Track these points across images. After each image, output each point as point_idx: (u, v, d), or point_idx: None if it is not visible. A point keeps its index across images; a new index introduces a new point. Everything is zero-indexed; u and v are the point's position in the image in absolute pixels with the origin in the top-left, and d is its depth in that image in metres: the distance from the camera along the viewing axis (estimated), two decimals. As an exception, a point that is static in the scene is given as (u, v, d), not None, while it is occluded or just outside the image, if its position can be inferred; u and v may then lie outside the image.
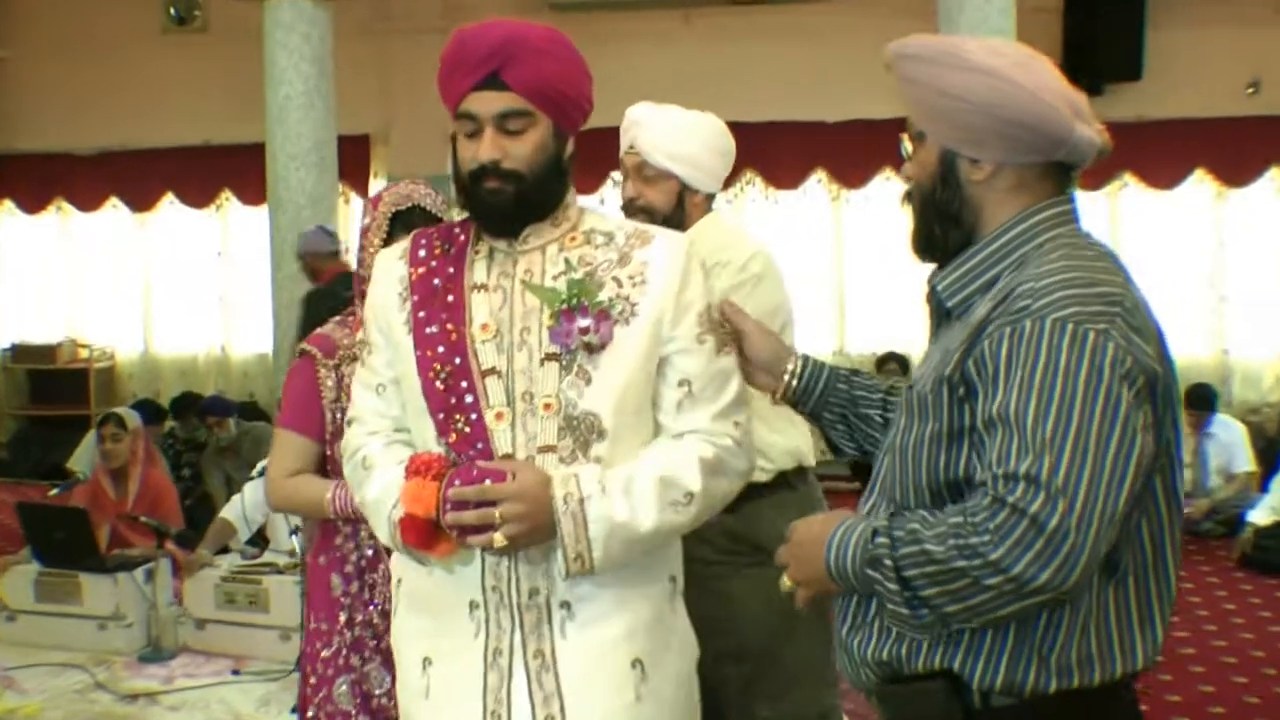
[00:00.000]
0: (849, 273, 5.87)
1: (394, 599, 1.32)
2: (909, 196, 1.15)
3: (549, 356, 1.20)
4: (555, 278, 1.23)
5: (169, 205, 6.45)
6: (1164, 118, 5.30)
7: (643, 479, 1.18)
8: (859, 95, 4.93)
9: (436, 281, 1.25)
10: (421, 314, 1.23)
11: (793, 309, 1.86)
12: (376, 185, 5.98)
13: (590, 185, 5.59)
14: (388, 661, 1.67)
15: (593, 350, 1.19)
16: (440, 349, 1.21)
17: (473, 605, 1.21)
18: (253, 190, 5.77)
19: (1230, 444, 4.73)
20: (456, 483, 1.14)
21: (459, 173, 1.23)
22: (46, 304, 6.64)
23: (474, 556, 1.20)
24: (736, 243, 1.84)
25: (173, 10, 6.19)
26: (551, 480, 1.16)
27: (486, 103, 1.19)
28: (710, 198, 1.88)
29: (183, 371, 6.48)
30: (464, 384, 1.20)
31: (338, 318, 1.81)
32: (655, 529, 1.18)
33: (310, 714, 1.72)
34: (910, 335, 5.44)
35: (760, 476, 1.67)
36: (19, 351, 6.50)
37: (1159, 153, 5.33)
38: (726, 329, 1.28)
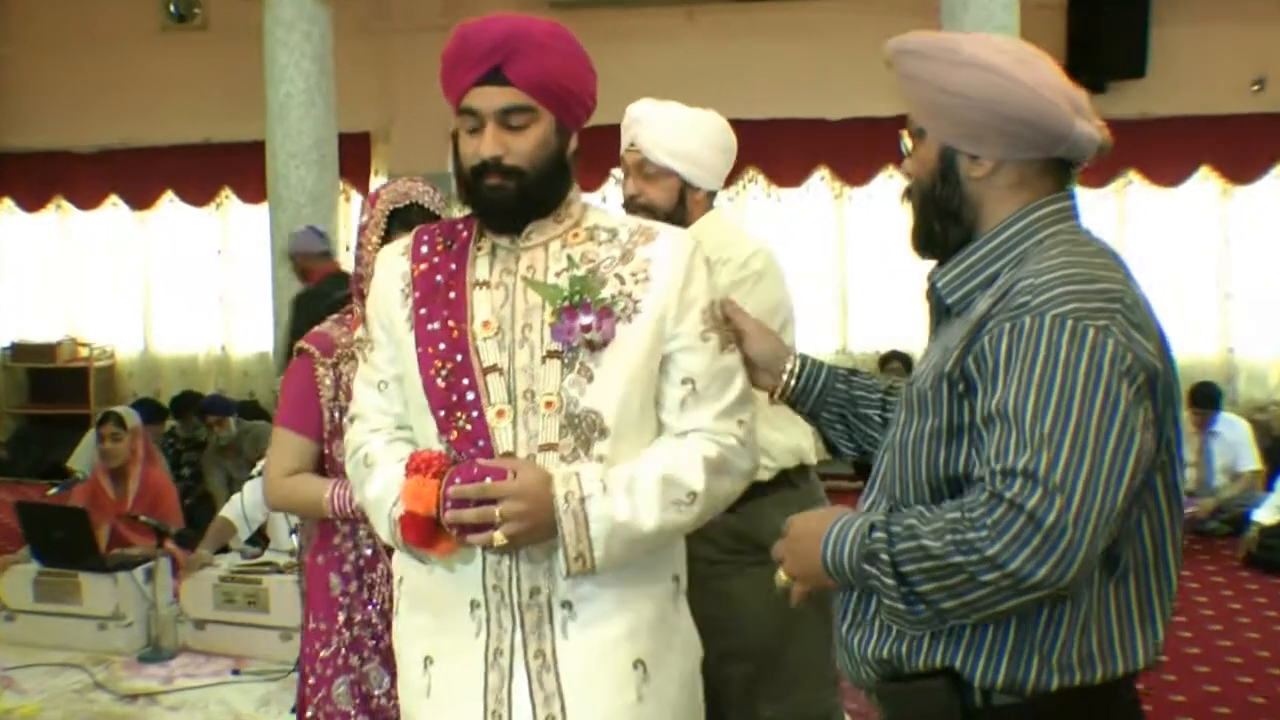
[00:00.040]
0: (852, 271, 5.86)
1: (395, 597, 1.32)
2: (909, 193, 1.14)
3: (551, 354, 1.20)
4: (558, 274, 1.22)
5: (169, 203, 6.44)
6: (1168, 115, 5.29)
7: (645, 478, 1.17)
8: (862, 93, 4.91)
9: (438, 278, 1.24)
10: (423, 311, 1.23)
11: (794, 307, 1.86)
12: (377, 183, 5.96)
13: (592, 183, 5.57)
14: (387, 661, 1.67)
15: (595, 348, 1.18)
16: (441, 346, 1.21)
17: (474, 604, 1.21)
18: (253, 188, 5.76)
19: (1235, 443, 4.72)
20: (457, 480, 1.14)
21: (461, 169, 1.23)
22: (46, 302, 6.63)
23: (475, 555, 1.20)
24: (737, 240, 1.83)
25: (172, 7, 6.18)
26: (552, 479, 1.15)
27: (488, 98, 1.18)
28: (711, 195, 1.87)
29: (183, 370, 6.47)
30: (465, 381, 1.20)
31: (335, 316, 1.80)
32: (657, 528, 1.17)
33: (309, 714, 1.71)
34: (913, 333, 5.42)
35: (762, 475, 1.67)
36: (18, 350, 6.49)
37: (1164, 150, 5.32)
38: (729, 327, 1.27)
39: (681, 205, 1.81)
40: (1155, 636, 1.04)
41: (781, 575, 1.12)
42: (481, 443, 1.18)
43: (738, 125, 1.90)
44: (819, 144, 5.64)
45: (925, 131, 1.11)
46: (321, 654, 1.70)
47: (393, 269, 1.28)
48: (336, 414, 1.70)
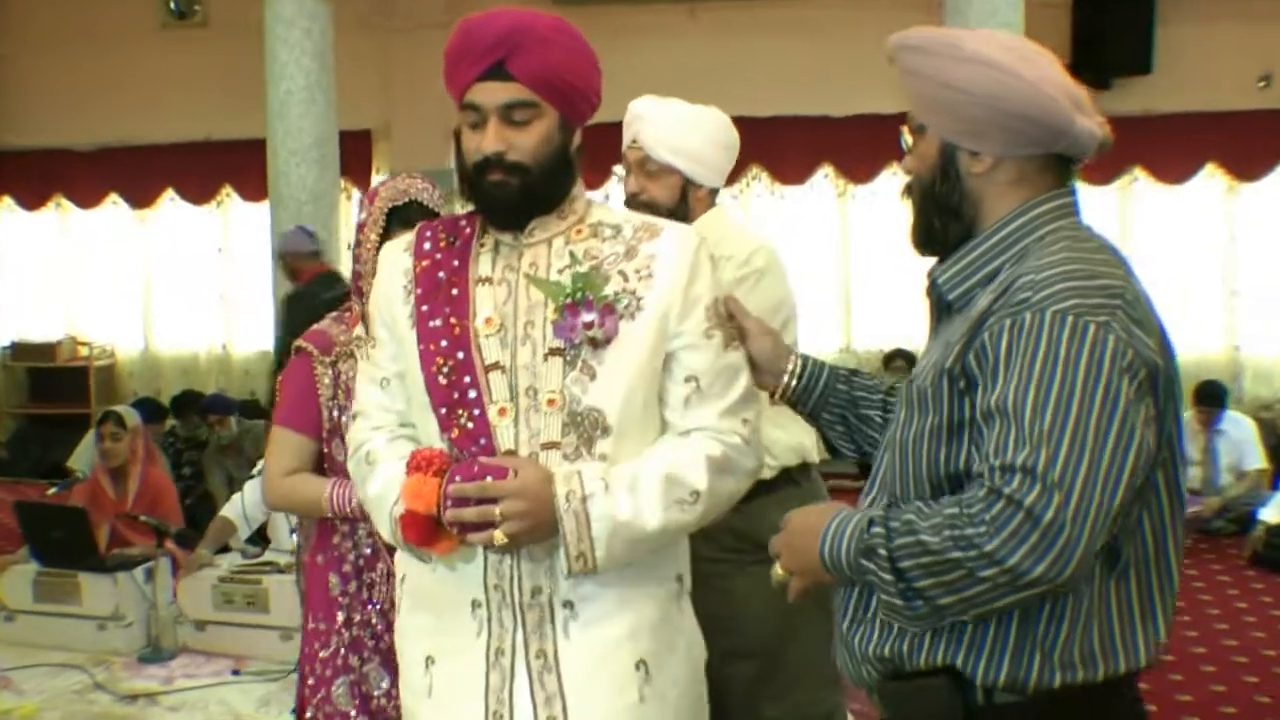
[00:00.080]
0: (855, 268, 5.86)
1: (397, 596, 1.31)
2: (909, 190, 1.14)
3: (553, 351, 1.19)
4: (560, 271, 1.21)
5: (169, 202, 6.44)
6: (1174, 112, 5.28)
7: (647, 477, 1.16)
8: (865, 90, 4.90)
9: (441, 274, 1.24)
10: (425, 307, 1.22)
11: (796, 304, 1.86)
12: (378, 181, 5.96)
13: (594, 181, 5.56)
14: (386, 662, 1.66)
15: (597, 345, 1.17)
16: (443, 343, 1.20)
17: (475, 604, 1.20)
18: (253, 186, 5.75)
19: (1241, 441, 4.69)
20: (457, 479, 1.13)
21: (463, 165, 1.22)
22: (46, 301, 6.62)
23: (476, 554, 1.19)
24: (739, 237, 1.83)
25: (172, 5, 6.17)
26: (554, 477, 1.14)
27: (491, 93, 1.17)
28: (714, 193, 1.87)
29: (184, 369, 6.47)
30: (467, 379, 1.19)
31: (333, 314, 1.79)
32: (660, 528, 1.16)
33: (309, 715, 1.70)
34: (917, 332, 5.41)
35: (765, 473, 1.66)
36: (18, 349, 6.48)
37: (1169, 147, 5.31)
38: (732, 325, 1.26)
39: (683, 203, 1.80)
40: (1157, 634, 1.04)
41: (778, 570, 1.12)
42: (483, 441, 1.17)
43: (740, 122, 1.90)
44: (822, 141, 5.63)
45: (926, 127, 1.10)
46: (321, 654, 1.70)
47: (395, 265, 1.27)
48: (335, 413, 1.69)
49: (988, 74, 1.03)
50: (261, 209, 5.21)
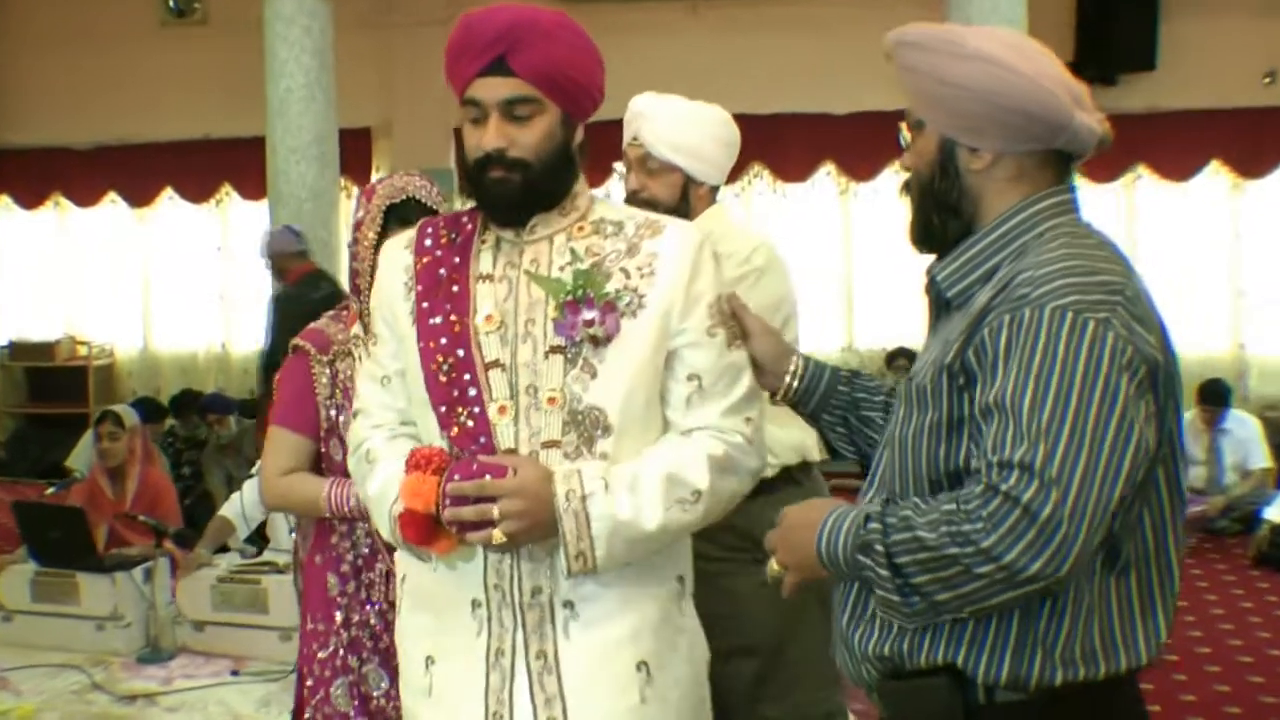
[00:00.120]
0: (858, 266, 5.85)
1: (398, 595, 1.31)
2: (907, 186, 1.14)
3: (553, 349, 1.18)
4: (561, 268, 1.20)
5: (168, 200, 6.42)
6: (1179, 108, 5.27)
7: (648, 476, 1.16)
8: (868, 87, 4.87)
9: (442, 271, 1.23)
10: (425, 304, 1.22)
11: (797, 302, 1.86)
12: (376, 179, 5.94)
13: (595, 179, 5.51)
14: (385, 662, 1.66)
15: (598, 343, 1.17)
16: (443, 340, 1.20)
17: (475, 603, 1.20)
18: (253, 185, 5.74)
19: (1246, 440, 4.69)
20: (456, 477, 1.12)
21: (465, 161, 1.21)
22: (44, 300, 6.61)
23: (476, 554, 1.19)
24: (740, 235, 1.83)
25: (171, 2, 6.16)
26: (553, 476, 1.14)
27: (492, 89, 1.16)
28: (714, 190, 1.87)
29: (183, 369, 6.46)
30: (467, 377, 1.18)
31: (331, 312, 1.79)
32: (661, 528, 1.15)
33: (308, 716, 1.69)
34: (920, 330, 5.35)
35: (766, 472, 1.64)
36: (17, 349, 6.46)
37: (1174, 144, 5.31)
38: (735, 324, 1.26)
39: (684, 200, 1.80)
40: (1158, 631, 1.04)
41: (773, 565, 1.11)
42: (483, 439, 1.17)
43: (742, 120, 1.90)
44: (825, 138, 5.63)
45: (924, 124, 1.10)
46: (319, 655, 1.69)
47: (396, 262, 1.26)
48: (333, 412, 1.69)
49: (986, 69, 1.03)
50: (261, 208, 5.20)
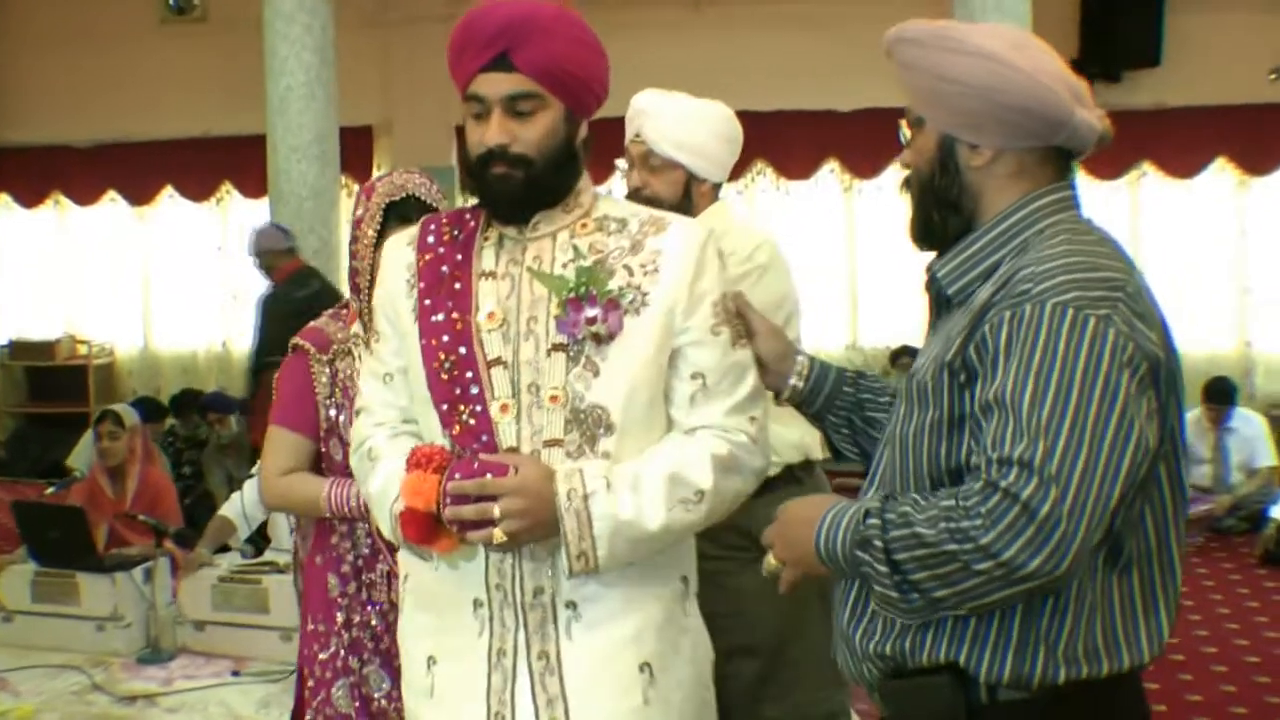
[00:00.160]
0: (862, 264, 5.83)
1: (401, 595, 1.30)
2: (907, 183, 1.14)
3: (556, 347, 1.18)
4: (564, 266, 1.20)
5: (168, 199, 6.41)
6: (1184, 105, 5.24)
7: (651, 476, 1.15)
8: (871, 83, 4.83)
9: (444, 268, 1.23)
10: (427, 301, 1.22)
11: (799, 299, 1.85)
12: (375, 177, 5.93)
13: (597, 177, 5.51)
14: (387, 664, 1.65)
15: (601, 341, 1.16)
16: (445, 338, 1.19)
17: (476, 603, 1.19)
18: (253, 183, 5.73)
19: (1252, 438, 4.67)
20: (456, 476, 1.12)
21: (467, 157, 1.20)
22: (44, 300, 6.60)
23: (477, 553, 1.19)
24: (742, 233, 1.83)
25: (171, 0, 6.13)
26: (555, 475, 1.13)
27: (494, 84, 1.16)
28: (717, 187, 1.87)
29: (183, 368, 6.45)
30: (469, 375, 1.18)
31: (330, 311, 1.78)
32: (663, 528, 1.15)
33: (309, 718, 1.69)
34: (924, 328, 5.37)
35: (768, 470, 1.65)
36: (17, 348, 6.45)
37: (1179, 141, 5.29)
38: (740, 322, 1.25)
39: (687, 198, 1.80)
40: (1160, 629, 1.03)
41: (771, 560, 1.11)
42: (485, 438, 1.16)
43: (745, 117, 1.89)
44: (828, 136, 5.61)
45: (924, 120, 1.10)
46: (320, 656, 1.69)
47: (398, 259, 1.26)
48: (333, 412, 1.68)
49: (985, 66, 1.03)
50: (261, 206, 5.18)
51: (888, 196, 5.65)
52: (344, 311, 1.75)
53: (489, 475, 1.11)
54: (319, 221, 4.59)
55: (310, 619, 1.71)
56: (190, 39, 6.05)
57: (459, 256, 1.22)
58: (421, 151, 5.41)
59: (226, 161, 6.04)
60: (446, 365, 1.18)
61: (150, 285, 6.51)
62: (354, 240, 1.63)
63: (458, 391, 1.17)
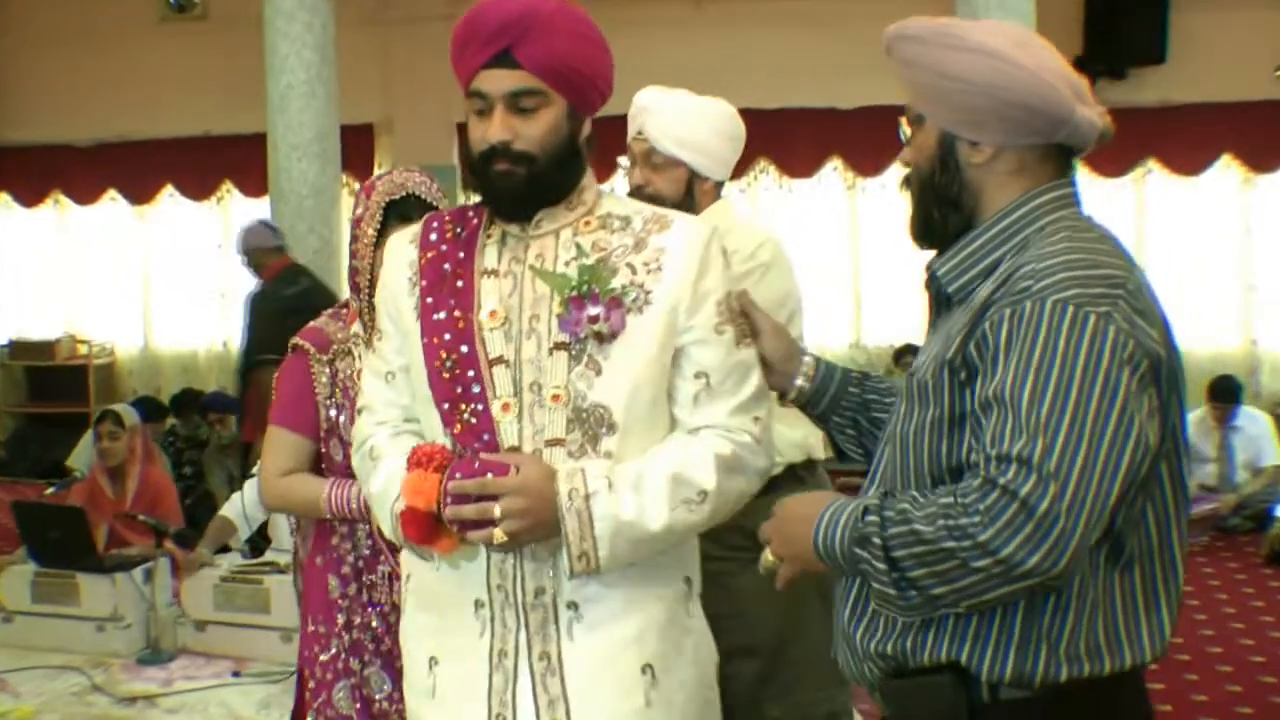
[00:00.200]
0: (865, 263, 5.81)
1: (403, 595, 1.30)
2: (907, 181, 1.14)
3: (558, 345, 1.17)
4: (567, 264, 1.19)
5: (169, 197, 6.40)
6: (1189, 102, 5.22)
7: (653, 476, 1.14)
8: (874, 81, 4.81)
9: (446, 266, 1.22)
10: (429, 299, 1.21)
11: (801, 298, 1.85)
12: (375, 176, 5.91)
13: (600, 174, 5.50)
14: (388, 665, 1.65)
15: (603, 340, 1.15)
16: (447, 336, 1.19)
17: (478, 604, 1.19)
18: (254, 182, 5.72)
19: (1257, 437, 4.65)
20: (457, 475, 1.11)
21: (470, 154, 1.20)
22: (44, 299, 6.59)
23: (479, 553, 1.18)
24: (744, 231, 1.83)
25: (171, -2, 6.13)
26: (556, 475, 1.13)
27: (497, 81, 1.15)
28: (719, 185, 1.87)
29: (184, 367, 6.45)
30: (470, 373, 1.17)
31: (330, 311, 1.77)
32: (666, 528, 1.14)
33: (310, 719, 1.67)
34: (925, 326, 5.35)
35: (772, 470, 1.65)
36: (17, 348, 6.45)
37: (1184, 138, 5.27)
38: (744, 321, 1.24)
39: (689, 195, 1.80)
40: (1162, 627, 1.03)
41: (768, 555, 1.11)
42: (486, 437, 1.16)
43: (748, 115, 1.89)
44: (831, 134, 5.60)
45: (924, 118, 1.10)
46: (321, 658, 1.68)
47: (401, 257, 1.25)
48: (333, 412, 1.68)
49: (987, 63, 1.03)
50: (262, 205, 5.17)
51: (891, 194, 5.63)
52: (344, 311, 1.74)
53: (490, 474, 1.11)
54: (320, 220, 4.57)
55: (311, 620, 1.70)
56: (190, 37, 6.03)
57: (461, 254, 1.22)
58: (422, 150, 5.40)
59: (227, 160, 6.03)
60: (448, 364, 1.18)
61: (151, 285, 6.50)
62: (354, 239, 1.63)
63: (459, 390, 1.17)
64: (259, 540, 3.19)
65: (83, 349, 6.40)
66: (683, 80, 1.93)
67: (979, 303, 1.02)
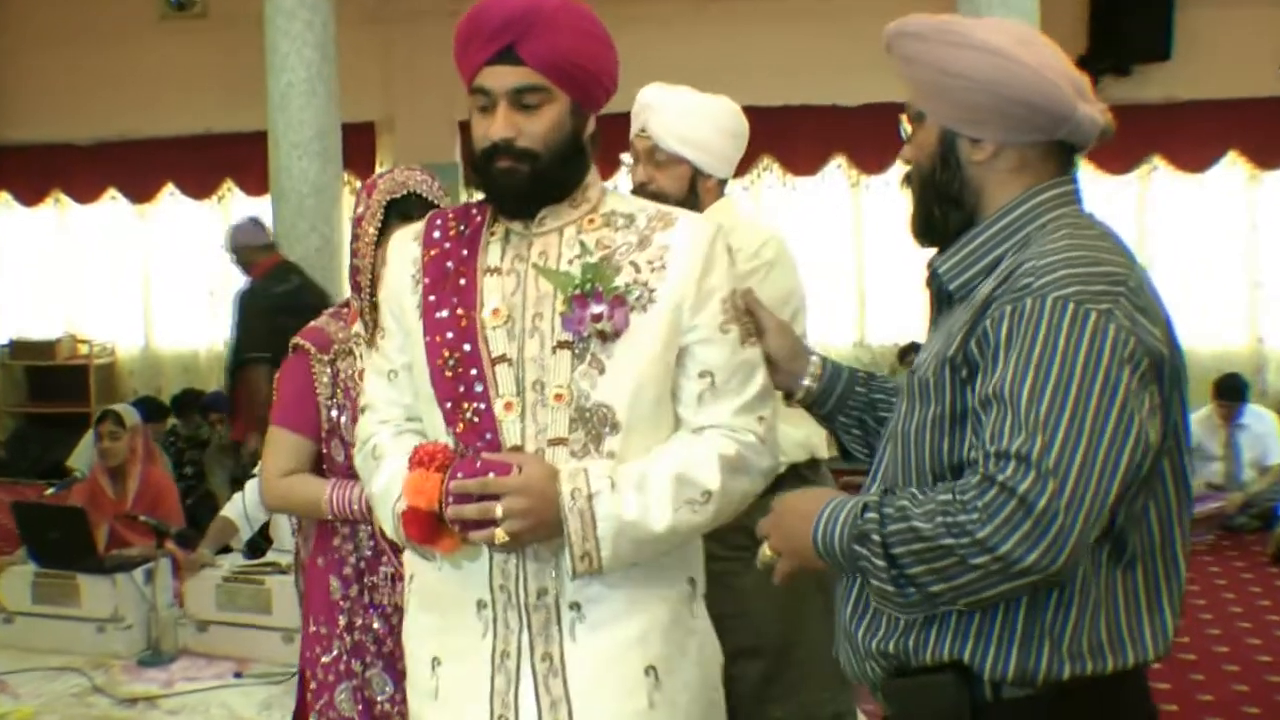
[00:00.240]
0: (869, 261, 5.79)
1: (406, 595, 1.30)
2: (908, 179, 1.14)
3: (561, 344, 1.16)
4: (570, 261, 1.18)
5: (169, 196, 6.40)
6: (1194, 99, 5.20)
7: (657, 475, 1.14)
8: (878, 78, 4.79)
9: (449, 264, 1.22)
10: (432, 298, 1.20)
11: (805, 296, 1.85)
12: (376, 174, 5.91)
13: (604, 172, 5.47)
14: (390, 667, 1.64)
15: (606, 338, 1.15)
16: (449, 335, 1.18)
17: (480, 604, 1.19)
18: (255, 180, 5.71)
19: (1264, 435, 4.63)
20: (459, 475, 1.11)
21: (472, 151, 1.19)
22: (45, 299, 6.59)
23: (481, 553, 1.17)
24: (748, 229, 1.82)
25: (171, -3, 6.12)
26: (559, 475, 1.12)
27: (500, 78, 1.15)
28: (722, 183, 1.87)
29: (185, 367, 6.44)
30: (473, 372, 1.17)
31: (330, 310, 1.77)
32: (669, 529, 1.14)
33: (312, 720, 1.67)
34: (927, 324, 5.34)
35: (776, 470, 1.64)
36: (17, 348, 6.44)
37: (1189, 135, 5.25)
38: (749, 320, 1.23)
39: (692, 193, 1.80)
40: (1165, 626, 1.03)
41: (766, 550, 1.11)
42: (489, 436, 1.16)
43: (751, 112, 1.89)
44: (835, 131, 5.58)
45: (925, 115, 1.10)
46: (323, 659, 1.68)
47: (404, 255, 1.25)
48: (334, 412, 1.67)
49: (989, 60, 1.02)
50: (263, 204, 5.16)
51: (895, 192, 5.59)
52: (345, 311, 1.74)
53: (491, 474, 1.10)
54: (321, 219, 4.57)
55: (312, 621, 1.70)
56: (190, 35, 6.03)
57: (464, 252, 1.22)
58: (424, 148, 5.38)
59: (227, 159, 6.03)
60: (450, 362, 1.17)
61: (151, 284, 6.50)
62: (355, 238, 1.62)
63: (462, 389, 1.16)
64: (260, 541, 3.19)
65: (83, 349, 6.40)
66: (686, 77, 1.93)
67: (980, 300, 1.02)
